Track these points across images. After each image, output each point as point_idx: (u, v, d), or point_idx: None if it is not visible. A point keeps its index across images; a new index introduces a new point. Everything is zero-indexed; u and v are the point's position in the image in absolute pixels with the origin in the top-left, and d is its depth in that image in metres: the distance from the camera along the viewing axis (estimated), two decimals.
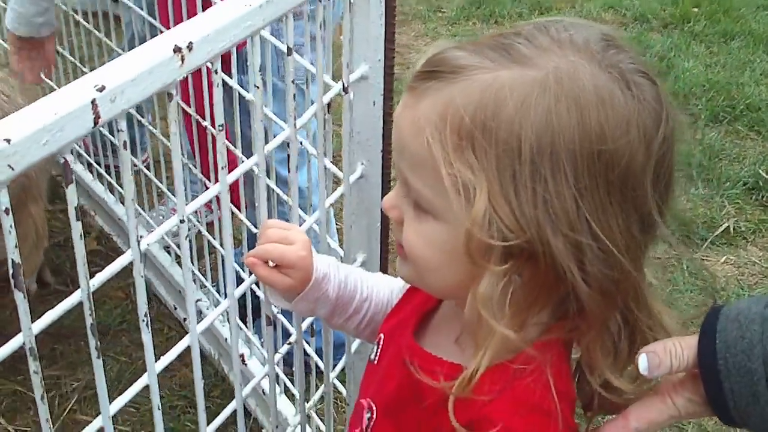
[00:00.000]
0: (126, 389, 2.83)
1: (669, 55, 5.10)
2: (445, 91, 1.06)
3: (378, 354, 1.33)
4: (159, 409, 1.30)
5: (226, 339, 2.77)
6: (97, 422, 1.24)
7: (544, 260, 1.05)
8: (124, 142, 1.08)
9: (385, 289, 1.45)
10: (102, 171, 3.41)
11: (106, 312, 3.11)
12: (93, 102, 0.99)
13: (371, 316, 1.44)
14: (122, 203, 3.37)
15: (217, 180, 1.34)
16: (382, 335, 1.33)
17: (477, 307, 1.08)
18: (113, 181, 3.36)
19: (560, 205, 1.03)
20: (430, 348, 1.21)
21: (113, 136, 3.13)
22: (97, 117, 1.00)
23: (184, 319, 2.97)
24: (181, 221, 1.20)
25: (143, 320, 1.18)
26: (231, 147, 2.10)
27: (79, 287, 1.10)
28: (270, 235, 1.36)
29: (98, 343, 1.13)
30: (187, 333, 1.33)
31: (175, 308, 3.10)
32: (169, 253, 3.10)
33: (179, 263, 3.04)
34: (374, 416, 1.26)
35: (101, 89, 1.00)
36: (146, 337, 1.20)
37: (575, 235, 1.03)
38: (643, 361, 1.09)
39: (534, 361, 1.10)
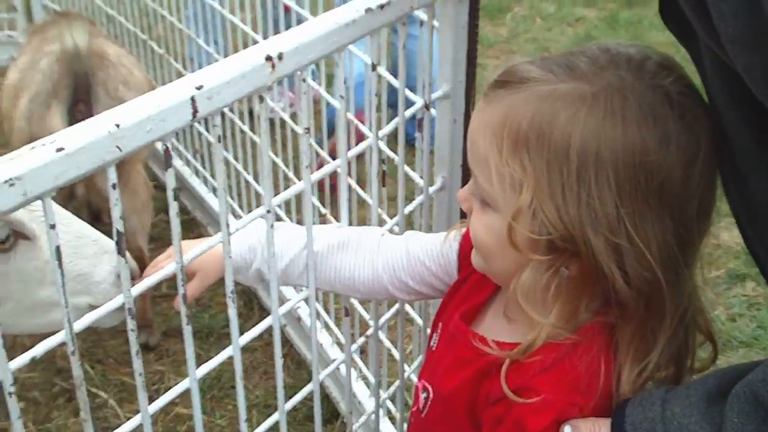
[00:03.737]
0: (226, 391, 3.01)
1: None
2: (508, 99, 1.21)
3: (437, 342, 1.46)
4: (241, 379, 1.44)
5: (297, 317, 2.93)
6: (184, 383, 1.36)
7: (587, 257, 1.17)
8: (219, 136, 1.24)
9: (367, 268, 1.54)
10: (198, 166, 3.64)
11: (212, 316, 3.31)
12: (192, 98, 1.15)
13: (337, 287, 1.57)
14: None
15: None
16: (440, 324, 1.46)
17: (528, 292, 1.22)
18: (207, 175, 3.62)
19: (601, 209, 1.15)
20: (483, 332, 1.34)
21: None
22: (195, 111, 1.16)
23: (284, 326, 3.14)
24: (267, 212, 1.35)
25: (230, 297, 1.33)
26: (318, 149, 2.29)
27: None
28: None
29: (188, 311, 1.28)
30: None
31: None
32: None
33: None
34: (430, 396, 1.40)
35: (200, 87, 1.16)
36: (231, 312, 1.35)
37: (614, 237, 1.16)
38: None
39: (587, 341, 1.23)
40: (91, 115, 3.07)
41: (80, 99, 2.97)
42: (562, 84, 1.19)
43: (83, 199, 3.21)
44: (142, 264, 3.29)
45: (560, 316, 1.22)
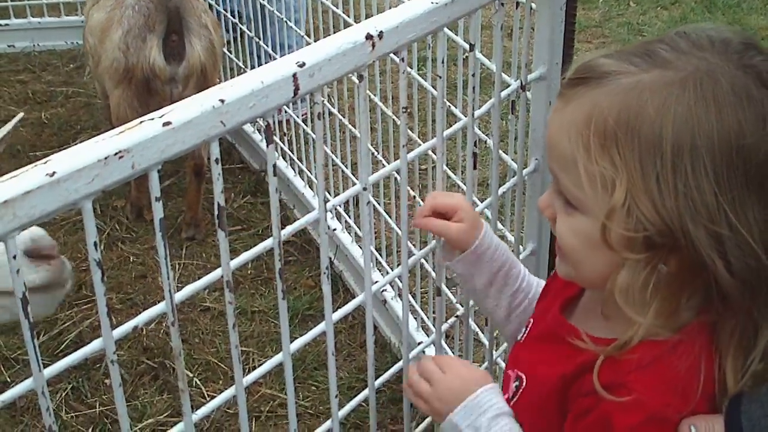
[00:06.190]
0: (309, 372, 3.02)
1: None
2: (590, 95, 1.19)
3: (525, 335, 1.46)
4: (333, 354, 1.46)
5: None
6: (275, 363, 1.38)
7: (687, 250, 1.15)
8: (319, 113, 1.25)
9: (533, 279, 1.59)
10: (302, 167, 3.66)
11: (296, 297, 3.33)
12: (294, 75, 1.16)
13: (523, 301, 1.57)
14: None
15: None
16: (531, 320, 1.46)
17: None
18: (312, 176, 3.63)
19: (700, 198, 1.12)
20: (578, 324, 1.32)
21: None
22: (296, 88, 1.17)
23: None
24: (364, 189, 1.36)
25: (324, 272, 1.34)
26: (411, 133, 2.28)
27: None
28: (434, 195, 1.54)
29: (284, 286, 1.29)
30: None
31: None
32: (349, 233, 3.35)
33: (359, 244, 3.28)
34: (523, 384, 1.38)
35: (302, 65, 1.17)
36: (326, 288, 1.36)
37: (714, 226, 1.13)
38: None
39: (688, 341, 1.20)
40: (183, 44, 3.33)
41: (173, 30, 3.30)
42: (645, 74, 1.17)
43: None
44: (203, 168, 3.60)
45: (659, 313, 1.19)
